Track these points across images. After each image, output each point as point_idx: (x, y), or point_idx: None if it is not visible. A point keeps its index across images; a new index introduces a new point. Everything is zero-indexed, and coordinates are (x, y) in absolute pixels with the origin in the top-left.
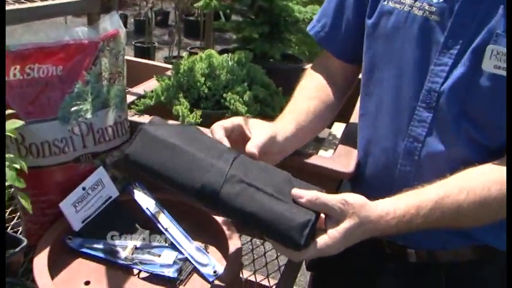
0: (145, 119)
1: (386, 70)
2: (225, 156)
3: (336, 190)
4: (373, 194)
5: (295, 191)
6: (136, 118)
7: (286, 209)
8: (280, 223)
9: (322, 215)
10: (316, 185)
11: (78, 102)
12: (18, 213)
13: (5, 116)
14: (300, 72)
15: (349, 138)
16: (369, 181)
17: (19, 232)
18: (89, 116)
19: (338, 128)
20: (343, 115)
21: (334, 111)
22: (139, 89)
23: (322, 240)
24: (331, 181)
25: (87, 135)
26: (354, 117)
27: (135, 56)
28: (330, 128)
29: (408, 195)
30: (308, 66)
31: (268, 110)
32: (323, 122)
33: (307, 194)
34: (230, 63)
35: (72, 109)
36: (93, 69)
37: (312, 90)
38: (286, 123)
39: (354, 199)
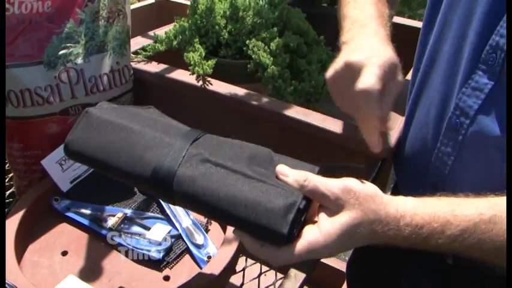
0: (151, 66)
1: (460, 5)
2: (186, 134)
3: (375, 175)
4: (408, 178)
5: (280, 168)
6: (141, 66)
7: (265, 190)
8: (256, 207)
9: (316, 204)
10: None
11: (68, 45)
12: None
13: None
14: None
15: (402, 99)
16: (406, 159)
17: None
18: (79, 61)
19: None
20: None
21: None
22: (161, 31)
23: (311, 236)
24: (363, 160)
25: (77, 84)
26: None
27: None
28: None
29: (438, 202)
30: None
31: (301, 62)
32: None
33: (294, 173)
34: (260, 4)
35: (60, 52)
36: (89, 6)
37: None
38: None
39: (360, 187)
